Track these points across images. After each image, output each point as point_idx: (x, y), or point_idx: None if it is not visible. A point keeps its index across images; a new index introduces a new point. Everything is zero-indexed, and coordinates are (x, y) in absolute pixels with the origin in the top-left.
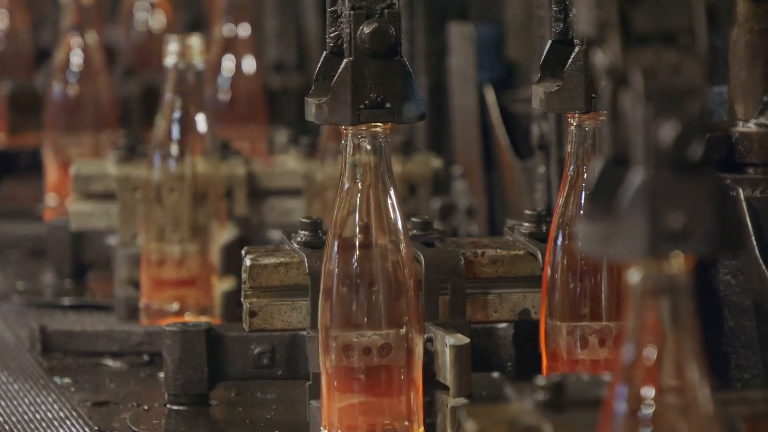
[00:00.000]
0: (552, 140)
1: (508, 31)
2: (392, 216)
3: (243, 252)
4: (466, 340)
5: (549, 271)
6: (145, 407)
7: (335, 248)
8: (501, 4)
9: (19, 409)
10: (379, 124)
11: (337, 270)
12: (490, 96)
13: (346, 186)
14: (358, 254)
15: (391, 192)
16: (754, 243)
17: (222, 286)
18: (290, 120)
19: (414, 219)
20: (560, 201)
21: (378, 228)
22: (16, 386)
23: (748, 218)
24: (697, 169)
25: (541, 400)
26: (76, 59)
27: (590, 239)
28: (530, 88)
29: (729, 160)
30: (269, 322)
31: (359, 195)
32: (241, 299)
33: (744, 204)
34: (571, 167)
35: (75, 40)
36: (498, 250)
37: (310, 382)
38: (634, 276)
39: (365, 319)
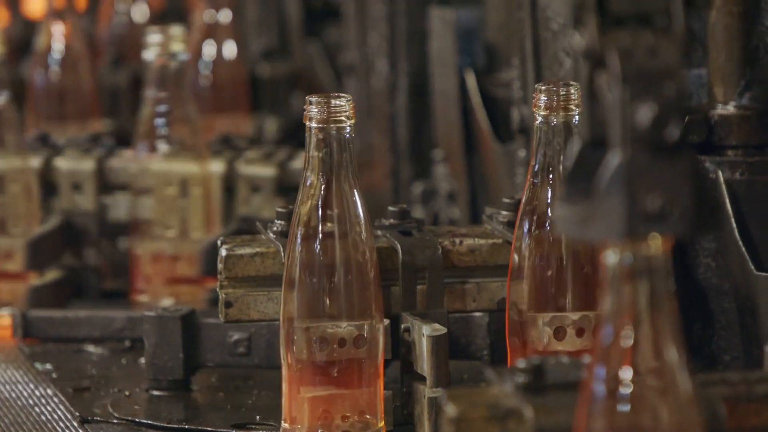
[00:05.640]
0: (532, 124)
1: (488, 15)
2: (355, 209)
3: (219, 242)
4: (444, 330)
5: (516, 260)
6: (126, 393)
7: (298, 240)
8: None
9: (0, 396)
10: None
11: (299, 263)
12: (471, 80)
13: (309, 180)
14: (320, 246)
15: (355, 185)
16: (734, 225)
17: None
18: (278, 107)
19: (391, 208)
20: (526, 190)
21: (340, 220)
22: None
23: (727, 200)
24: (674, 150)
25: (521, 382)
26: (58, 46)
27: (568, 221)
28: (510, 72)
29: (708, 143)
30: (245, 313)
31: (322, 188)
32: (217, 290)
33: (723, 186)
34: (537, 157)
35: (57, 28)
36: (476, 239)
37: None
38: (611, 257)
39: (329, 312)
